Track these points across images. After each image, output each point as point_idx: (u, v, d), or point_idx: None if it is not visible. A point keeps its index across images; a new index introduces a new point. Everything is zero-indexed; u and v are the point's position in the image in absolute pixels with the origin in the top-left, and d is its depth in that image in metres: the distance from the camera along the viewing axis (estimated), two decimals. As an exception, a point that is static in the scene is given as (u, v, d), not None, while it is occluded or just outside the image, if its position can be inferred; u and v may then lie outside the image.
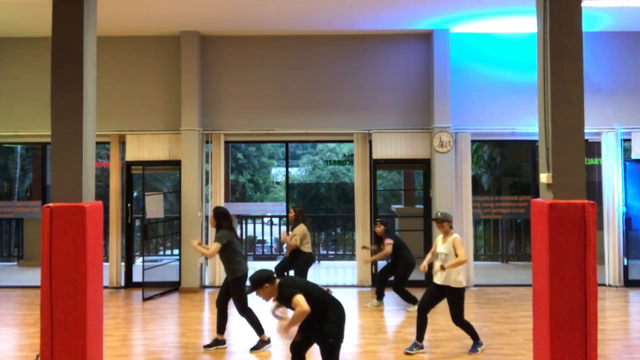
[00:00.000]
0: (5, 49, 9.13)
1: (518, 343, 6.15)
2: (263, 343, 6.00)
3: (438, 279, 5.92)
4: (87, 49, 4.75)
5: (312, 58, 9.15)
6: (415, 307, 6.73)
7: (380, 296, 7.86)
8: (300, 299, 4.37)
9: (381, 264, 8.38)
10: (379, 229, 7.76)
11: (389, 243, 7.64)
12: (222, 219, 6.14)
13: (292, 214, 8.09)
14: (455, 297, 5.85)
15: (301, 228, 7.85)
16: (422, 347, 5.93)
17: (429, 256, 6.28)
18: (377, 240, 8.02)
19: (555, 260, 4.32)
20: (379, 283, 7.93)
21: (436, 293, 5.97)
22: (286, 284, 4.56)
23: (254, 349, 5.96)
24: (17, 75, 9.09)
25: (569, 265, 4.31)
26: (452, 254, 5.88)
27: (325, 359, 4.55)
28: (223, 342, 6.07)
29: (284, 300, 4.49)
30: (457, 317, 5.87)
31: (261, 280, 4.49)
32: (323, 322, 4.49)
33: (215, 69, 9.11)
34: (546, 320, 4.35)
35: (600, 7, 7.45)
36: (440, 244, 6.04)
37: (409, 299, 7.57)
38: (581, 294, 4.29)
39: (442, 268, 5.84)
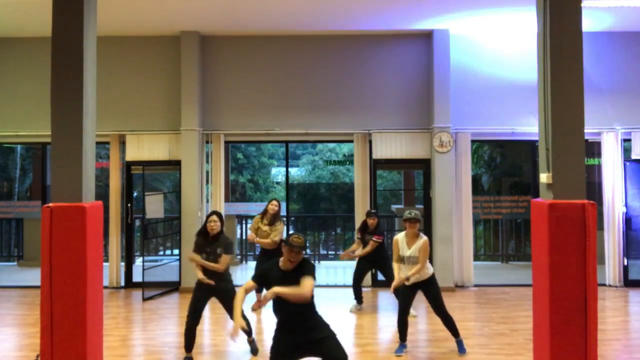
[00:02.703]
0: (5, 49, 9.13)
1: (518, 343, 6.15)
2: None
3: (409, 281, 5.80)
4: (87, 49, 4.74)
5: (312, 58, 9.15)
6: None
7: (360, 299, 7.71)
8: (312, 284, 4.04)
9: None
10: (373, 221, 7.47)
11: (377, 241, 7.39)
12: (223, 223, 5.84)
13: (277, 207, 7.55)
14: (433, 285, 5.85)
15: (283, 225, 7.55)
16: (406, 346, 5.93)
17: (397, 273, 5.86)
18: (363, 232, 7.57)
19: (555, 260, 4.31)
20: (357, 286, 7.70)
21: (411, 292, 5.88)
22: (310, 262, 4.24)
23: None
24: (17, 75, 9.10)
25: (569, 265, 4.31)
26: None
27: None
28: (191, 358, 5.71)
29: (302, 272, 4.07)
30: (442, 307, 5.83)
31: (305, 246, 4.15)
32: (321, 326, 4.23)
33: (215, 69, 9.11)
34: (546, 320, 4.35)
35: (600, 7, 7.46)
36: (406, 247, 5.81)
37: None
38: (581, 294, 4.29)
39: (407, 280, 5.73)
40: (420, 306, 7.47)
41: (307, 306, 4.12)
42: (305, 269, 4.09)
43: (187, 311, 5.65)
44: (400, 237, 5.91)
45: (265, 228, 7.43)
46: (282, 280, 4.06)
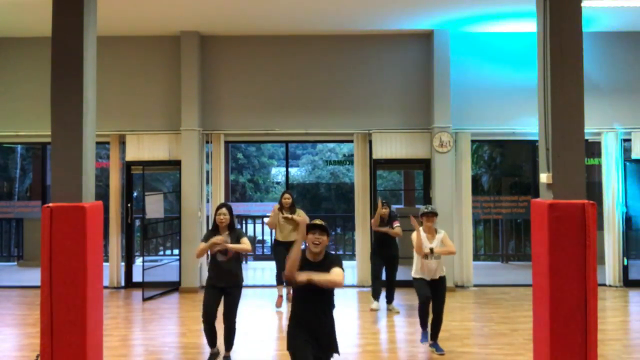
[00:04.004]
0: (5, 49, 9.13)
1: (518, 343, 6.15)
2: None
3: (431, 275, 5.85)
4: (87, 49, 4.74)
5: (312, 58, 9.15)
6: (391, 304, 7.53)
7: (378, 297, 7.71)
8: (342, 273, 4.00)
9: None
10: (386, 210, 7.52)
11: (399, 226, 7.49)
12: (234, 216, 5.72)
13: (290, 199, 7.81)
14: (445, 285, 5.93)
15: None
16: (427, 333, 5.95)
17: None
18: (380, 224, 7.55)
19: (555, 260, 4.31)
20: (377, 284, 7.71)
21: (427, 285, 5.90)
22: (337, 255, 4.24)
23: None
24: (17, 75, 9.09)
25: (569, 265, 4.30)
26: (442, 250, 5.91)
27: None
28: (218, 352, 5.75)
29: (331, 264, 4.04)
30: (441, 308, 5.87)
31: (326, 227, 4.10)
32: (333, 336, 4.17)
33: (215, 69, 9.11)
34: (546, 320, 4.35)
35: (600, 7, 7.45)
36: (427, 242, 5.87)
37: (393, 297, 7.66)
38: (581, 294, 4.29)
39: (431, 251, 5.78)
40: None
41: (328, 305, 4.13)
42: (334, 262, 4.05)
43: (201, 312, 5.56)
44: (421, 233, 5.90)
45: (290, 216, 7.71)
46: (310, 271, 3.99)
